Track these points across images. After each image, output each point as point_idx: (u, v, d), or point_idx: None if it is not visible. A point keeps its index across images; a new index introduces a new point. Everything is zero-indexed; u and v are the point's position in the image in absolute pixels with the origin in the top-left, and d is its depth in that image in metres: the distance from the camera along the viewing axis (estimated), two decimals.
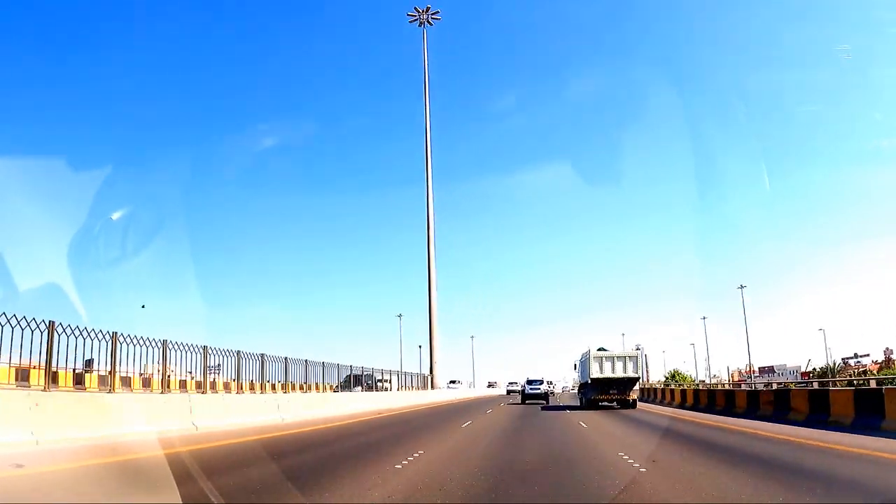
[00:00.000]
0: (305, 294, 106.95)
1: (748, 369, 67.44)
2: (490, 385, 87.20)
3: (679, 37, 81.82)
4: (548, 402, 38.01)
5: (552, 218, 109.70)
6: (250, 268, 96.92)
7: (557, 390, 65.75)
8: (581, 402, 30.68)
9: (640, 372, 28.03)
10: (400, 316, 72.42)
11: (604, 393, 27.90)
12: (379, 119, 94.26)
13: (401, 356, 64.53)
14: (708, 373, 74.96)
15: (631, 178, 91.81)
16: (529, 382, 42.02)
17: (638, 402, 28.89)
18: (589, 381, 28.04)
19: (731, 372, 79.06)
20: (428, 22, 46.14)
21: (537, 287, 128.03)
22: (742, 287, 61.98)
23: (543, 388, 41.82)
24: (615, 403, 28.15)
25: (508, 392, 61.12)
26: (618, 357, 27.81)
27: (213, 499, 5.97)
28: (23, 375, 12.12)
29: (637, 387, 29.03)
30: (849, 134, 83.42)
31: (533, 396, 39.59)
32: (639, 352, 28.47)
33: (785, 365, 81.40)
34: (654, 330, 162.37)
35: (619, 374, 27.43)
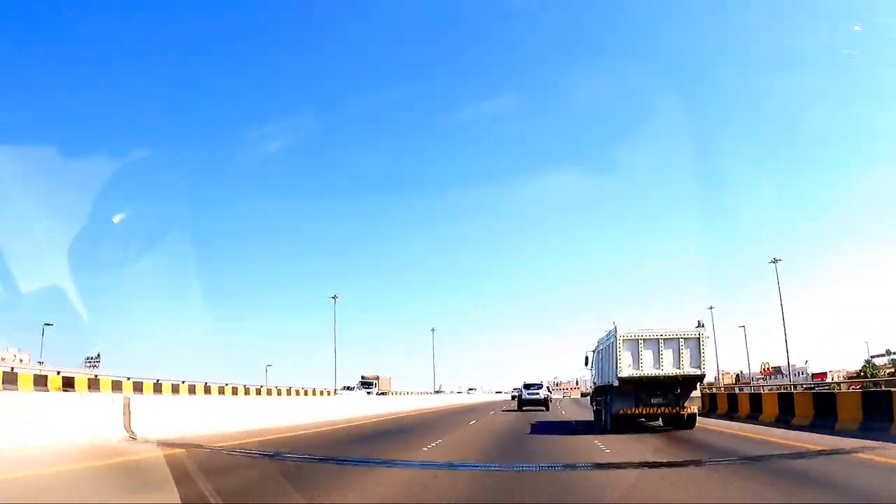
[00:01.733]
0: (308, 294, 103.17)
1: (764, 369, 56.46)
2: (364, 383, 60.02)
3: (683, 39, 75.47)
4: (547, 409, 35.09)
5: (548, 219, 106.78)
6: (254, 270, 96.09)
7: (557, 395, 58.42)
8: (601, 418, 18.03)
9: (703, 366, 15.71)
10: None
11: (641, 404, 15.76)
12: (381, 119, 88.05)
13: None
14: (718, 372, 63.62)
15: (633, 180, 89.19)
16: (527, 387, 38.45)
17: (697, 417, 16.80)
18: (615, 384, 15.73)
19: (722, 374, 69.33)
20: None
21: (534, 289, 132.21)
22: (776, 261, 47.88)
23: (543, 393, 38.13)
24: (659, 420, 16.74)
25: (513, 398, 56.82)
26: (665, 339, 15.55)
27: None
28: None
29: (697, 392, 16.58)
30: (851, 135, 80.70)
31: (531, 403, 36.61)
32: (701, 329, 16.07)
33: (794, 365, 71.46)
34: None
35: (670, 370, 15.34)
